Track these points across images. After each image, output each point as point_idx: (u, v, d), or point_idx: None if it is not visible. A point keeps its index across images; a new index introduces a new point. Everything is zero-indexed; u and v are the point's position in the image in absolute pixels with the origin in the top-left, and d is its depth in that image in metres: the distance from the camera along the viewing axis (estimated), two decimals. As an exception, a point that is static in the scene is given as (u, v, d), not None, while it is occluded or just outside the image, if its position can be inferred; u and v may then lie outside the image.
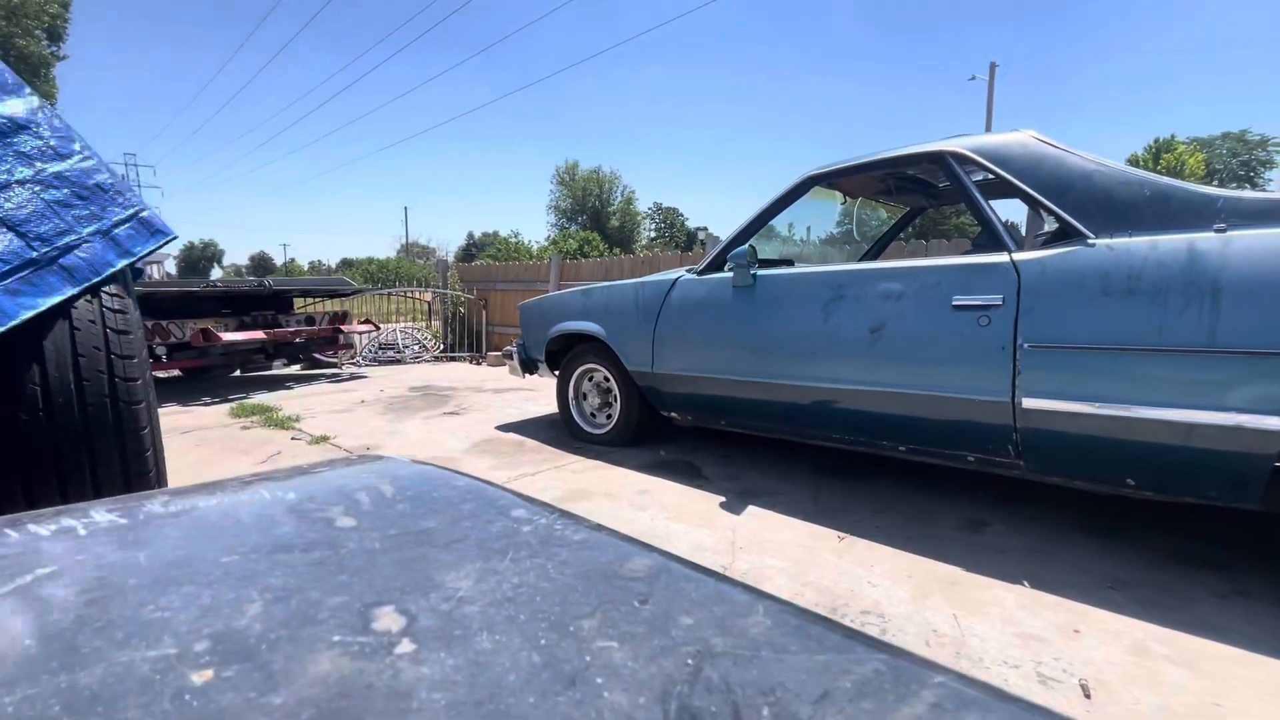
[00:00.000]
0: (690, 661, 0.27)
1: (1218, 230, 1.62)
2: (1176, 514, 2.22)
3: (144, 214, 1.46)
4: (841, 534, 2.10)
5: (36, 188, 1.26)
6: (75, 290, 1.27)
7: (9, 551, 0.33)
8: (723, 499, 2.44)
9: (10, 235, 1.19)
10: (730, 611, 0.32)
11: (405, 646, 0.27)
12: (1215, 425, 1.57)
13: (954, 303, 1.99)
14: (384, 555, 0.36)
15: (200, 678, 0.24)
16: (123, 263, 1.39)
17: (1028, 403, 1.85)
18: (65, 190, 1.31)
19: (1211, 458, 1.61)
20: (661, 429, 3.39)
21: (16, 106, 1.31)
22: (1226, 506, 1.72)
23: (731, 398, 2.68)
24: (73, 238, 1.28)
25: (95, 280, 1.32)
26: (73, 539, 0.35)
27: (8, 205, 1.20)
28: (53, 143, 1.33)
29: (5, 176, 1.22)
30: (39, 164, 1.29)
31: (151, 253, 1.51)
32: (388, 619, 0.29)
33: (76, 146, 1.39)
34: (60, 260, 1.25)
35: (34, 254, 1.21)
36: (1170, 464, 1.69)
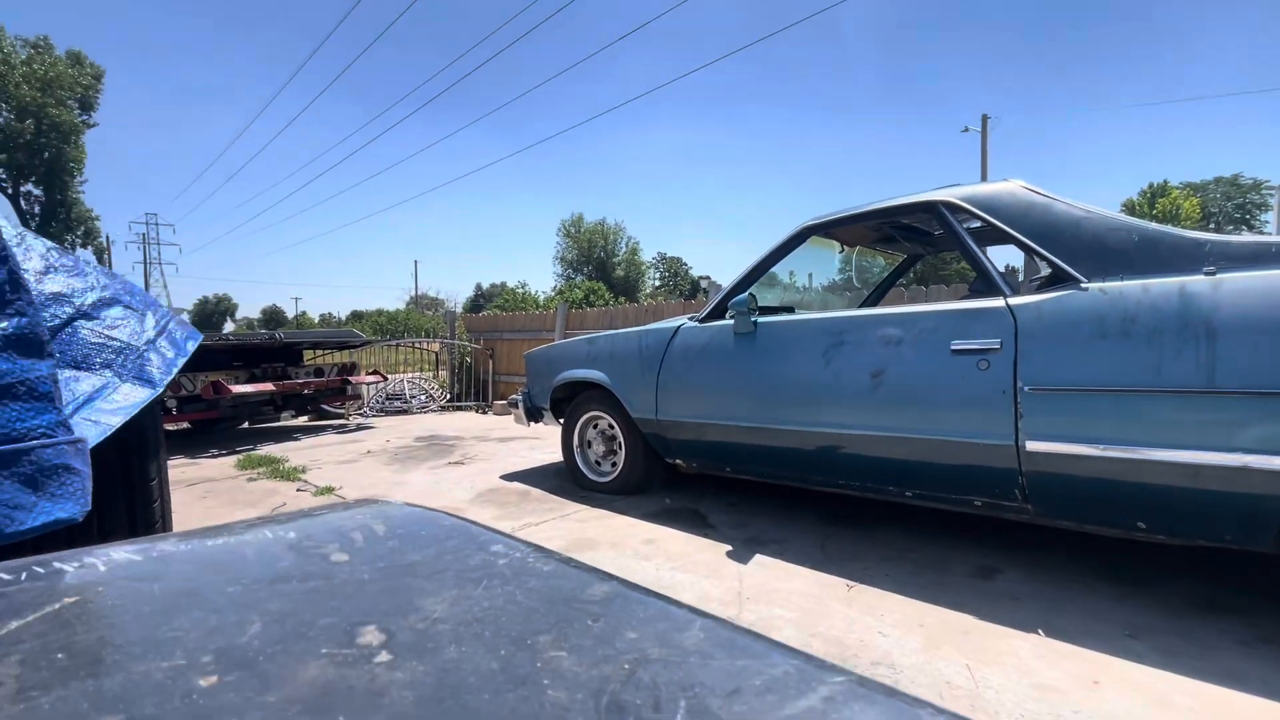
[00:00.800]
0: (627, 666, 0.31)
1: (1207, 273, 1.65)
2: (1194, 558, 2.17)
3: (171, 325, 1.61)
4: (850, 582, 2.06)
5: (87, 324, 1.38)
6: (157, 391, 1.39)
7: (39, 584, 0.36)
8: (729, 547, 2.41)
9: (86, 373, 1.29)
10: (671, 627, 0.36)
11: (383, 657, 0.31)
12: (1222, 466, 1.56)
13: (953, 347, 2.02)
14: (372, 584, 0.40)
15: (206, 682, 0.27)
16: (181, 362, 1.54)
17: (1031, 446, 1.85)
18: (108, 319, 1.46)
19: (1221, 499, 1.59)
20: (667, 476, 3.37)
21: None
22: (1242, 550, 1.69)
23: (735, 444, 2.68)
24: (132, 354, 1.40)
25: (168, 379, 1.45)
26: (94, 573, 0.37)
27: (71, 350, 1.32)
28: (75, 282, 1.46)
29: (58, 322, 1.34)
30: (76, 302, 1.41)
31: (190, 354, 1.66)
32: (370, 635, 0.33)
33: (91, 280, 1.52)
34: (133, 375, 1.37)
35: (111, 377, 1.33)
36: (1179, 506, 1.67)
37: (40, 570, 0.37)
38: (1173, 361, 1.63)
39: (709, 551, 2.38)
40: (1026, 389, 1.86)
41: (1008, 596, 1.92)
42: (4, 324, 0.94)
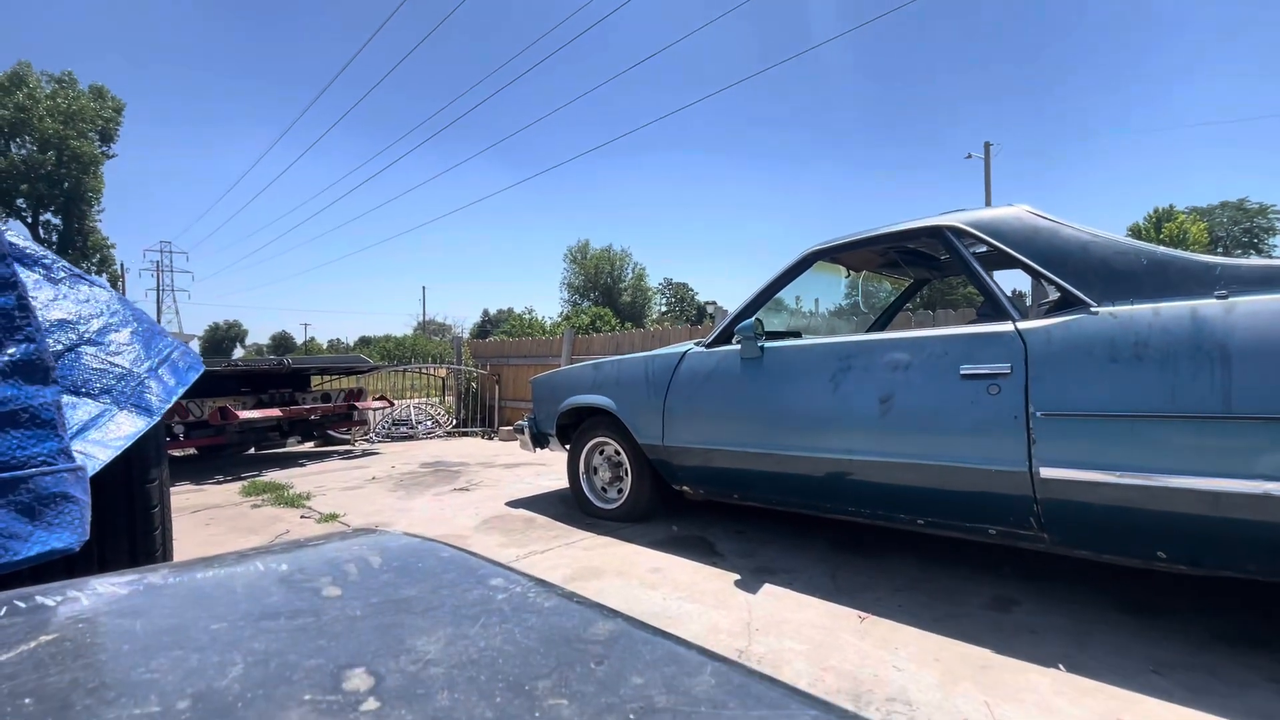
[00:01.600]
0: (632, 717, 0.29)
1: (1219, 297, 1.63)
2: (1219, 590, 2.10)
3: (174, 354, 1.62)
4: (863, 614, 2.00)
5: (91, 349, 1.39)
6: (154, 420, 1.39)
7: (16, 621, 0.34)
8: (737, 577, 2.36)
9: (86, 399, 1.30)
10: (680, 671, 0.34)
11: (370, 704, 0.29)
12: (1243, 494, 1.52)
13: (962, 372, 1.99)
14: (363, 621, 0.38)
15: None
16: (180, 390, 1.54)
17: (1046, 472, 1.81)
18: (112, 344, 1.47)
19: (1243, 528, 1.54)
20: (674, 503, 3.33)
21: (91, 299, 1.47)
22: (1269, 581, 1.63)
23: (743, 470, 2.65)
24: (132, 381, 1.41)
25: (166, 408, 1.46)
26: (75, 609, 0.36)
27: (72, 374, 1.33)
28: (84, 309, 1.48)
29: (61, 347, 1.35)
30: (81, 327, 1.42)
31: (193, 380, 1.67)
32: (358, 679, 0.31)
33: (103, 304, 1.54)
34: (132, 401, 1.37)
35: (109, 405, 1.33)
36: (1200, 535, 1.62)
37: (21, 605, 0.36)
38: (1187, 386, 1.60)
39: (717, 580, 2.33)
40: (1038, 414, 1.83)
41: (1026, 629, 1.86)
42: (11, 350, 0.94)
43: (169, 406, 1.48)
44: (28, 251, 1.43)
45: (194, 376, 1.62)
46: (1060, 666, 1.64)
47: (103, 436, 1.24)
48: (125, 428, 1.29)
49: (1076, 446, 1.77)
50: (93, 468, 1.17)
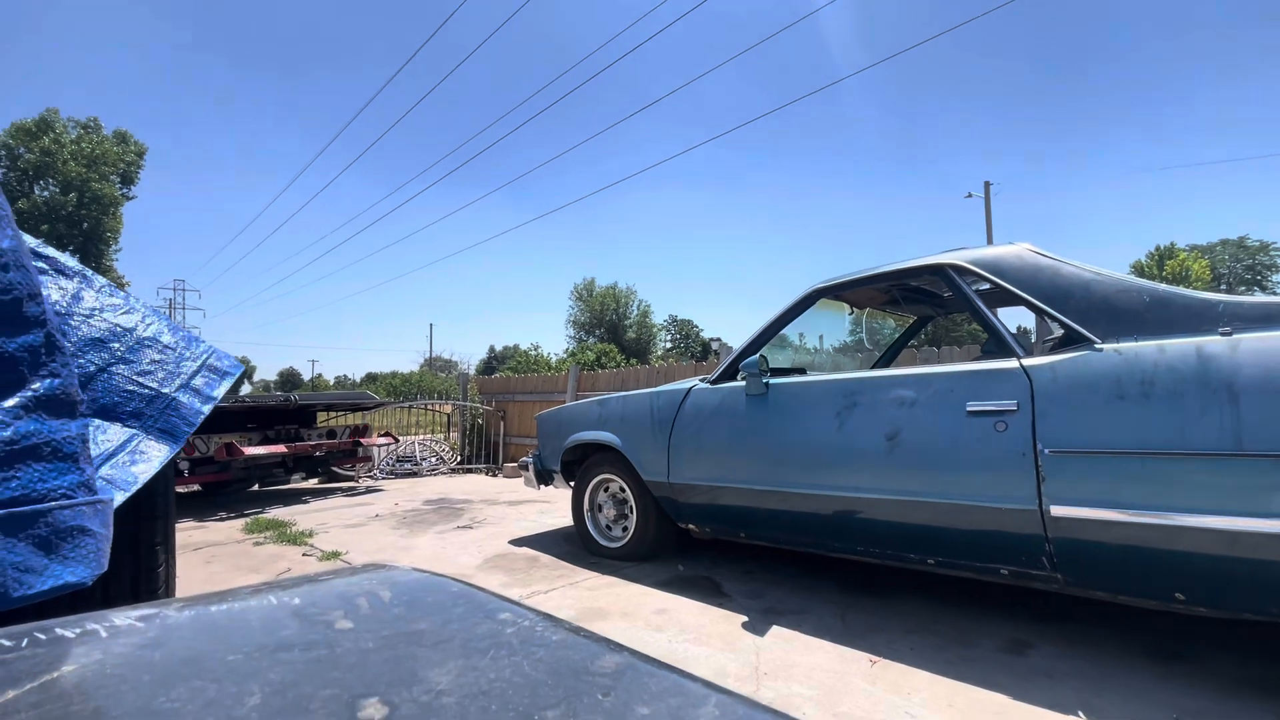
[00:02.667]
0: None
1: (1224, 333, 1.64)
2: (1244, 633, 2.04)
3: (210, 360, 1.63)
4: (874, 657, 1.95)
5: (123, 368, 1.41)
6: (178, 447, 1.40)
7: (37, 651, 0.35)
8: (745, 618, 2.31)
9: (115, 424, 1.32)
10: (685, 703, 0.34)
11: None
12: (1261, 533, 1.49)
13: (968, 408, 1.99)
14: (376, 653, 0.39)
15: None
16: (208, 408, 1.54)
17: (1056, 510, 1.79)
18: (145, 361, 1.47)
19: (1262, 569, 1.51)
20: (679, 542, 3.28)
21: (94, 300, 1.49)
22: (1291, 624, 1.59)
23: (749, 508, 2.62)
24: (161, 403, 1.42)
25: (190, 433, 1.47)
26: (95, 640, 0.37)
27: (104, 397, 1.34)
28: (121, 320, 1.50)
29: (94, 367, 1.37)
30: (115, 345, 1.45)
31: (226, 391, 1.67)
32: (372, 709, 0.32)
33: (138, 317, 1.56)
34: (159, 426, 1.38)
35: (137, 429, 1.35)
36: (1218, 576, 1.59)
37: (42, 637, 0.37)
38: (1196, 423, 1.59)
39: (724, 623, 2.28)
40: (1047, 451, 1.81)
41: (1042, 674, 1.81)
42: (36, 385, 0.96)
43: (196, 427, 1.48)
44: (66, 264, 1.46)
45: (229, 383, 1.61)
46: (1080, 714, 1.58)
47: (129, 464, 1.25)
48: (152, 455, 1.30)
49: (1087, 484, 1.76)
50: (118, 500, 1.17)
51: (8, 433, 0.91)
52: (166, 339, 1.55)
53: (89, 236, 28.98)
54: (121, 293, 1.54)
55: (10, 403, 0.92)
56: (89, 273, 1.51)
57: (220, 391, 1.60)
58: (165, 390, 1.43)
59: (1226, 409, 1.56)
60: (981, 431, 1.95)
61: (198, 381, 1.54)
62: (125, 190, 30.39)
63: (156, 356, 1.48)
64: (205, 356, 1.61)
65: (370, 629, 0.43)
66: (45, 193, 27.90)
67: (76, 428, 1.00)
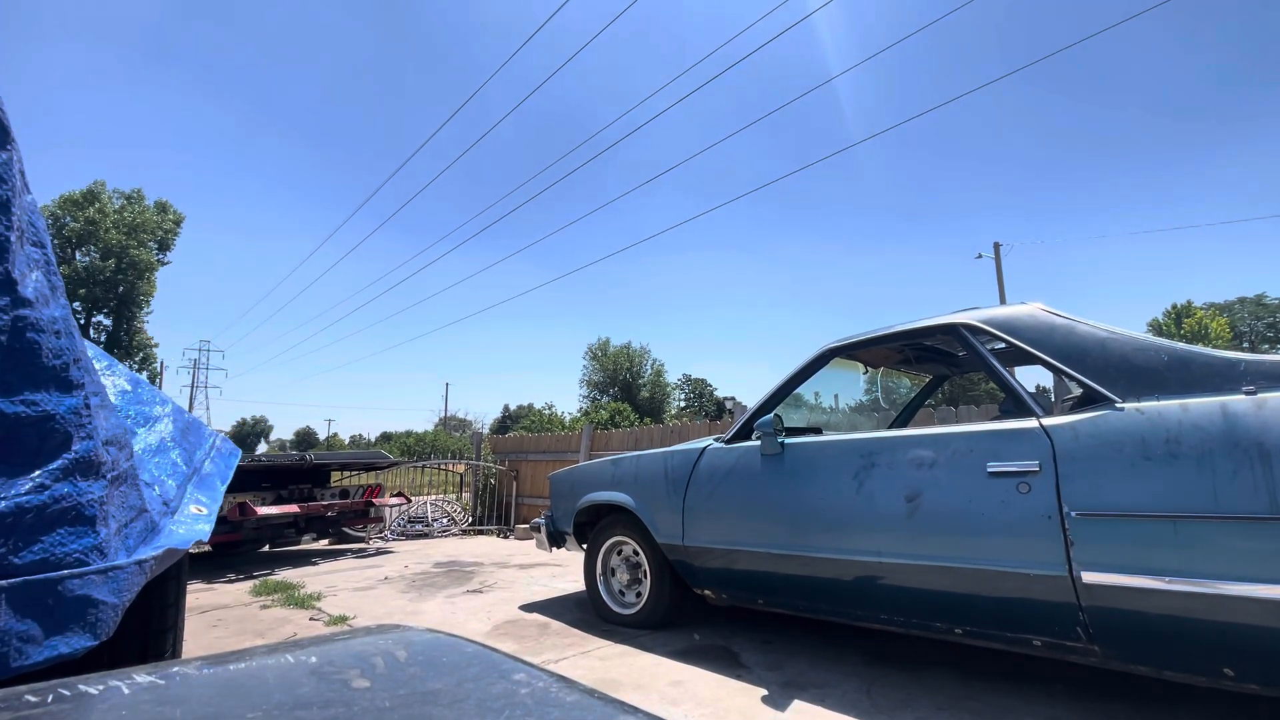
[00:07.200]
0: None
1: (1248, 392, 1.61)
2: (1300, 716, 1.90)
3: (218, 441, 1.75)
4: (903, 737, 1.84)
5: (165, 455, 1.52)
6: (188, 547, 1.48)
7: (63, 708, 0.35)
8: (765, 692, 2.20)
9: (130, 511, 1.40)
10: None
11: None
12: (1309, 603, 1.42)
13: (989, 469, 1.95)
14: (392, 712, 0.39)
15: None
16: (224, 486, 1.67)
17: (1089, 577, 1.72)
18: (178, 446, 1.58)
19: (1315, 642, 1.43)
20: (695, 609, 3.17)
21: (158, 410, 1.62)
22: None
23: (767, 573, 2.54)
24: (176, 504, 1.52)
25: (221, 501, 1.56)
26: (118, 697, 0.37)
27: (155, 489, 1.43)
28: (154, 411, 1.62)
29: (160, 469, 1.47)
30: (156, 433, 1.55)
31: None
32: None
33: (162, 409, 1.67)
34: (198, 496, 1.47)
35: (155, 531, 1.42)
36: (1269, 650, 1.50)
37: (66, 693, 0.37)
38: (1228, 485, 1.55)
39: (742, 696, 2.17)
40: (1073, 514, 1.76)
41: (1087, 758, 1.69)
42: (77, 447, 0.99)
43: (214, 522, 1.56)
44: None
45: (230, 475, 1.70)
46: (1131, 804, 1.46)
47: (142, 544, 1.28)
48: (165, 556, 1.34)
49: (1119, 549, 1.69)
50: (134, 588, 1.19)
51: (44, 496, 0.93)
52: (180, 440, 1.66)
53: (123, 300, 30.11)
54: (150, 387, 1.66)
55: (55, 465, 0.95)
56: (107, 359, 1.63)
57: (232, 467, 1.70)
58: (175, 497, 1.52)
59: (1259, 469, 1.51)
60: (1004, 493, 1.91)
61: (208, 464, 1.64)
62: (161, 256, 31.77)
63: (175, 460, 1.58)
64: (212, 441, 1.72)
65: (386, 688, 0.43)
66: (86, 259, 29.24)
67: (100, 489, 1.02)
